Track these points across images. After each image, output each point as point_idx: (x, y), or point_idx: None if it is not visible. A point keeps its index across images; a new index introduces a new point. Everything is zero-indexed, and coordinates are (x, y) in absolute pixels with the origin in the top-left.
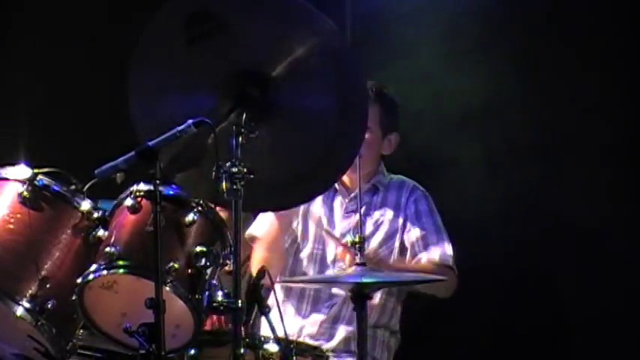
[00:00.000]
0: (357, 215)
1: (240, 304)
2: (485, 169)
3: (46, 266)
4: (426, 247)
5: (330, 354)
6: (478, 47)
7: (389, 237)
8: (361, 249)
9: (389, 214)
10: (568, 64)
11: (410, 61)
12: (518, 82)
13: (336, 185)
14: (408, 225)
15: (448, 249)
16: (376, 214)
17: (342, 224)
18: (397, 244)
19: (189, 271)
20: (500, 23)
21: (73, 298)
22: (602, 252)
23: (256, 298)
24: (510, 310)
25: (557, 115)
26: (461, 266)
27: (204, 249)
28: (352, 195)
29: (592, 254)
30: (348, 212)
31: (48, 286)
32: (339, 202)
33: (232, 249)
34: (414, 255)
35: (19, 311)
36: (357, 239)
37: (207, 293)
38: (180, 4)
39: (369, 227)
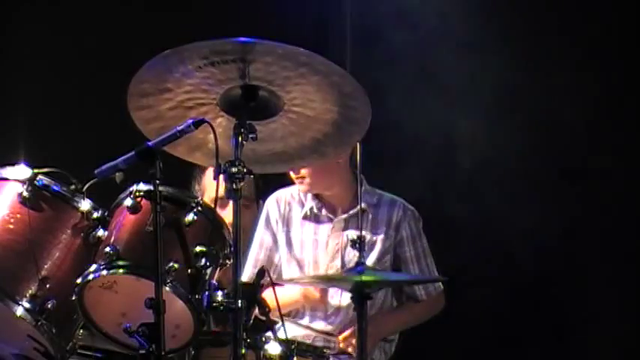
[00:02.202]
0: (346, 234)
1: (239, 304)
2: (489, 171)
3: (46, 266)
4: (420, 270)
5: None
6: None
7: (382, 255)
8: (361, 248)
9: (381, 232)
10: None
11: (411, 62)
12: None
13: (316, 210)
14: (405, 245)
15: (435, 273)
16: (367, 235)
17: (332, 244)
18: (390, 261)
19: (189, 271)
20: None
21: (73, 298)
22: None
23: (256, 298)
24: (510, 310)
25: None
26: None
27: (204, 249)
28: (343, 216)
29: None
30: (334, 231)
31: (48, 286)
32: (325, 227)
33: (232, 249)
34: (407, 270)
35: (19, 311)
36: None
37: (207, 293)
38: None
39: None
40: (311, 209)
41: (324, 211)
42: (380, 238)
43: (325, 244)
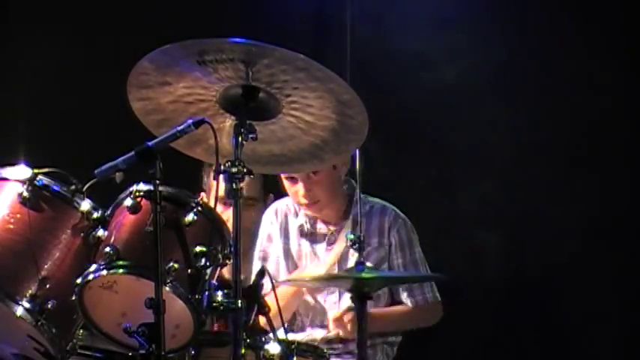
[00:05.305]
0: (339, 246)
1: (240, 304)
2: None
3: (46, 266)
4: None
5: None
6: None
7: (379, 264)
8: (360, 248)
9: (374, 242)
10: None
11: (412, 68)
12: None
13: (310, 225)
14: (393, 253)
15: (428, 287)
16: None
17: (329, 257)
18: (387, 269)
19: (189, 271)
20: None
21: (73, 298)
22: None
23: (256, 298)
24: (509, 311)
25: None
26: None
27: (204, 249)
28: (337, 228)
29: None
30: (330, 244)
31: (48, 286)
32: (321, 239)
33: (232, 249)
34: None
35: (19, 311)
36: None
37: (207, 293)
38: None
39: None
40: (305, 223)
41: (318, 225)
42: (373, 247)
43: (323, 256)
